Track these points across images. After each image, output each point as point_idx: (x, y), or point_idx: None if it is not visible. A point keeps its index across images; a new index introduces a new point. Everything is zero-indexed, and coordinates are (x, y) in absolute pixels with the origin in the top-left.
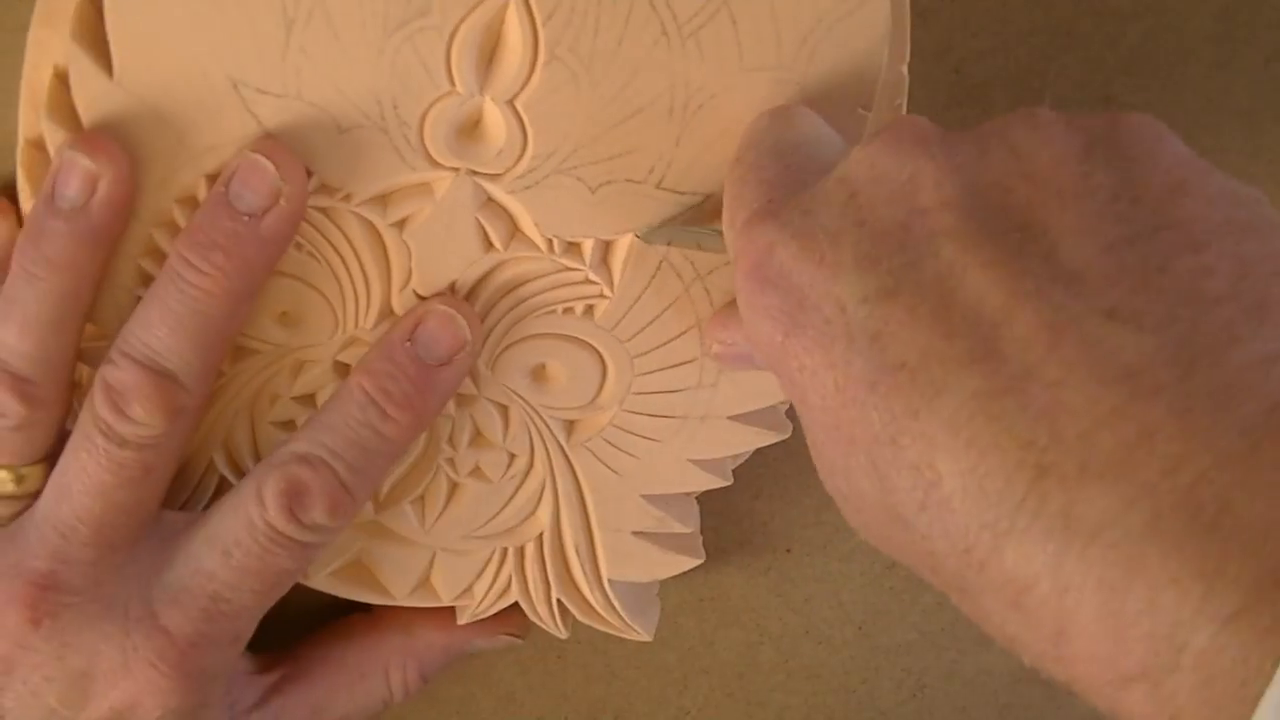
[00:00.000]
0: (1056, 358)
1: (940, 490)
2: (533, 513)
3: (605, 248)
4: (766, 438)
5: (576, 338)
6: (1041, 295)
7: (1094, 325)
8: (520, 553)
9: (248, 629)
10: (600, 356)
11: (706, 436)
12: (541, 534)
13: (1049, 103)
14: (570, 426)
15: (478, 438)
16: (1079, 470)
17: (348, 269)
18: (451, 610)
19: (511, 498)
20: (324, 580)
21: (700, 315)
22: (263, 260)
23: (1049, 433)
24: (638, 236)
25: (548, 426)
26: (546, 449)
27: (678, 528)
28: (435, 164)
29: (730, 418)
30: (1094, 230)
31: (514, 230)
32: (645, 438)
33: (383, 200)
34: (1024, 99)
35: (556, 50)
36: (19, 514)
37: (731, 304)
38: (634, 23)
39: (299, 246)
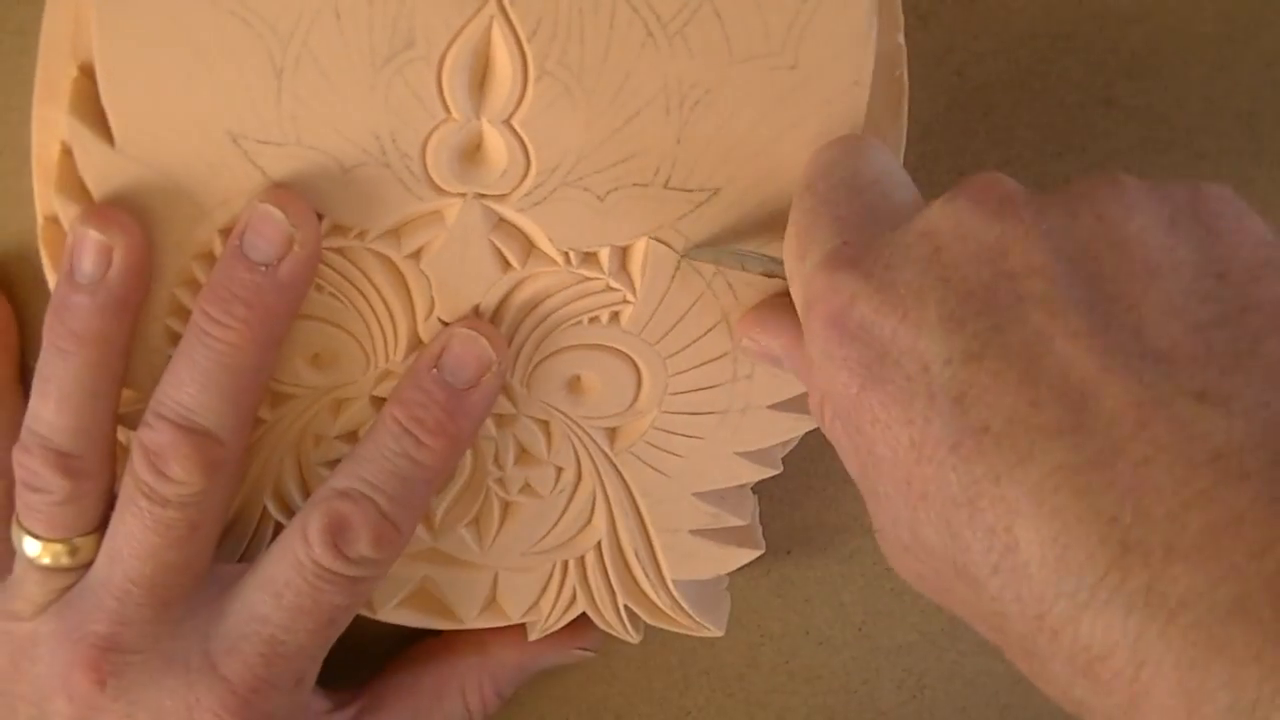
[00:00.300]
0: (1146, 436)
1: (1017, 555)
2: (588, 523)
3: (623, 254)
4: (807, 423)
5: (606, 346)
6: (1131, 371)
7: (1183, 406)
8: (581, 564)
9: (310, 669)
10: (632, 361)
11: (750, 428)
12: (599, 543)
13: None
14: (612, 434)
15: (523, 455)
16: (1165, 549)
17: (371, 306)
18: (523, 627)
19: (565, 510)
20: (392, 612)
21: (725, 309)
22: (284, 307)
23: (1135, 510)
24: (682, 257)
25: (590, 437)
26: (592, 459)
27: (734, 521)
28: (442, 191)
29: (770, 407)
30: (1181, 308)
31: (529, 247)
32: (688, 436)
33: (396, 234)
34: (1025, 101)
35: (546, 65)
36: (76, 583)
37: (765, 304)
38: (618, 28)
39: (320, 289)
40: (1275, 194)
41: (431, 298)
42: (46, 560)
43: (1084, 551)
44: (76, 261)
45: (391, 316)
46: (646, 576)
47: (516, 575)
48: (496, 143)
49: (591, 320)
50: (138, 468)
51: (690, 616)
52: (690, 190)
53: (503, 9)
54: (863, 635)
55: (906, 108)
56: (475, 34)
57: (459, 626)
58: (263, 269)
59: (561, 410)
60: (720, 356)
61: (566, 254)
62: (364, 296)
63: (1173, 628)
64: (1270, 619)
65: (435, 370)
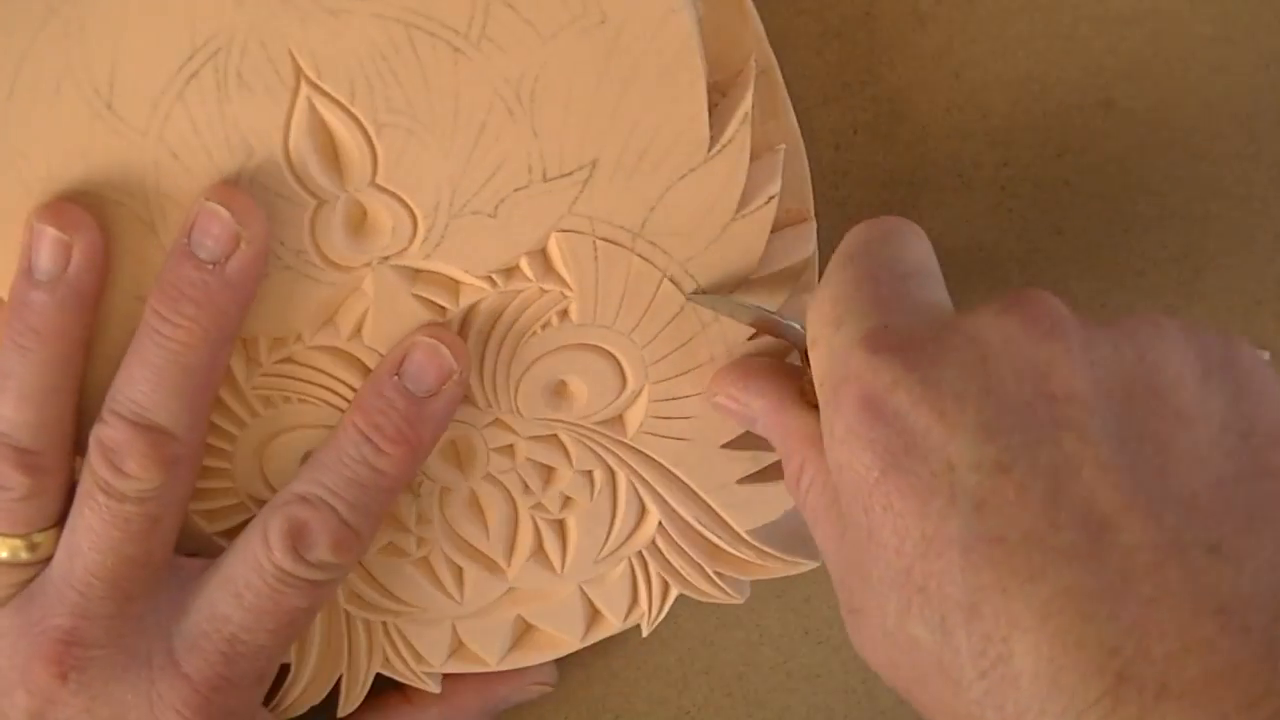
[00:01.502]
0: (1157, 577)
1: (1010, 666)
2: (642, 510)
3: (542, 256)
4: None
5: (570, 345)
6: (1153, 512)
7: (1197, 555)
8: (656, 550)
9: (269, 669)
10: (601, 349)
11: None
12: (660, 524)
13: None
14: (620, 423)
15: (549, 474)
16: (1159, 688)
17: (340, 395)
18: (483, 674)
19: (614, 508)
20: (507, 660)
21: (658, 264)
22: (234, 304)
23: (1137, 645)
24: (688, 298)
25: (600, 433)
26: (613, 452)
27: (772, 456)
28: (349, 269)
29: (748, 340)
30: (1205, 459)
31: (454, 284)
32: (687, 395)
33: (330, 323)
34: (1024, 103)
35: (379, 118)
36: (35, 577)
37: (741, 360)
38: (425, 56)
39: (289, 400)
40: (1274, 195)
41: None
42: (4, 555)
43: (1079, 675)
44: (34, 258)
45: None
46: (720, 538)
47: (601, 585)
48: (374, 206)
49: (544, 327)
50: (95, 464)
51: (780, 558)
52: (570, 173)
53: (314, 86)
54: None
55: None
56: (303, 119)
57: (572, 649)
58: (210, 267)
59: (561, 420)
60: (678, 314)
61: (489, 278)
62: (330, 390)
63: None
64: None
65: (396, 378)
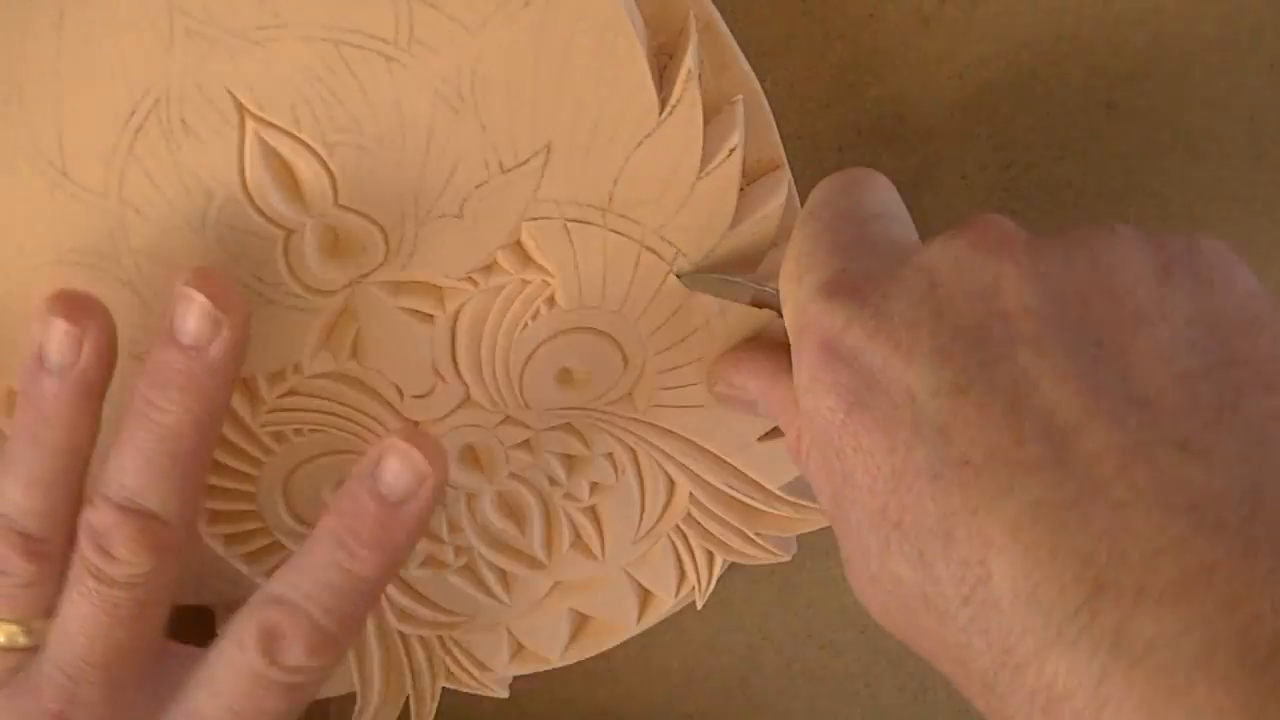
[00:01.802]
0: (1125, 480)
1: (989, 589)
2: (670, 485)
3: (517, 248)
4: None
5: (563, 331)
6: (1115, 416)
7: (1165, 454)
8: (694, 522)
9: None
10: (595, 330)
11: (734, 323)
12: (691, 494)
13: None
14: (630, 401)
15: (570, 462)
16: (1136, 592)
17: (351, 420)
18: None
19: (642, 486)
20: (566, 655)
21: (633, 236)
22: (218, 388)
23: (1110, 551)
24: (678, 278)
25: (612, 414)
26: (630, 431)
27: None
28: (330, 293)
29: None
30: (1169, 356)
31: (436, 290)
32: (693, 361)
33: (325, 349)
34: (1027, 105)
35: (327, 139)
36: (25, 664)
37: (740, 346)
38: (358, 69)
39: (300, 433)
40: (1277, 196)
41: (391, 384)
42: (1, 640)
43: (1056, 588)
44: (46, 349)
45: (372, 417)
46: (753, 499)
47: (647, 565)
48: (343, 227)
49: (534, 317)
50: (84, 549)
51: (818, 509)
52: (526, 161)
53: (258, 118)
54: (864, 638)
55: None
56: (254, 153)
57: (631, 633)
58: (193, 352)
59: (571, 407)
60: (663, 282)
61: (470, 278)
62: (339, 416)
63: (1137, 671)
64: (1234, 672)
65: (370, 480)
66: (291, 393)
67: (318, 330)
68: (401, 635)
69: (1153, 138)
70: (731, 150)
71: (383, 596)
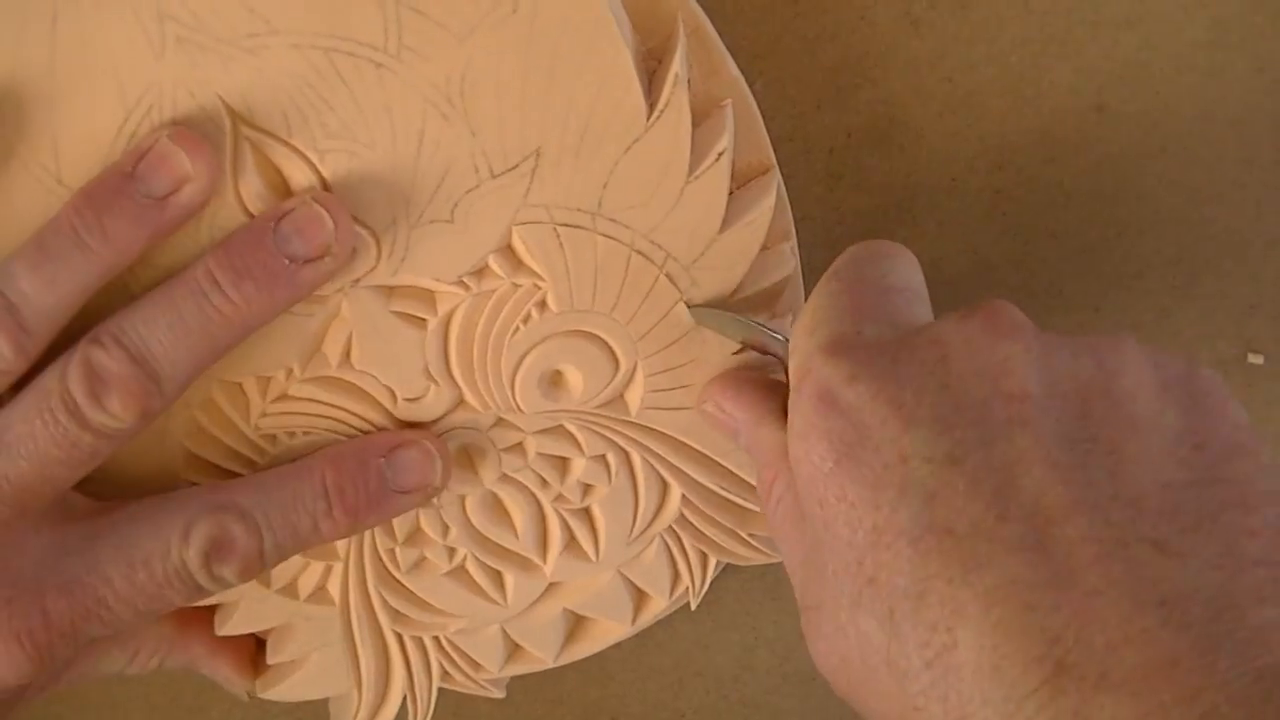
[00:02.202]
0: (1100, 570)
1: (954, 656)
2: (663, 486)
3: (509, 252)
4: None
5: (554, 334)
6: (1098, 509)
7: (1142, 551)
8: (687, 523)
9: (111, 643)
10: (586, 333)
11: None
12: (683, 497)
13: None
14: (621, 403)
15: (564, 465)
16: (1098, 677)
17: (345, 423)
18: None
19: (635, 488)
20: (564, 655)
21: (622, 240)
22: (288, 302)
23: (1078, 635)
24: (690, 309)
25: (604, 415)
26: (622, 433)
27: None
28: (324, 299)
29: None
30: (1157, 465)
31: (429, 294)
32: (685, 364)
33: (319, 354)
34: (1017, 107)
35: (319, 146)
36: None
37: (731, 372)
38: (349, 77)
39: (293, 435)
40: (1268, 199)
41: (385, 387)
42: None
43: (1020, 664)
44: (148, 171)
45: (366, 420)
46: (745, 500)
47: (641, 566)
48: None
49: (526, 321)
50: (72, 381)
51: None
52: (516, 165)
53: (249, 125)
54: None
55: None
56: (246, 160)
57: (626, 634)
58: (287, 261)
59: (563, 409)
60: (654, 285)
61: (461, 282)
62: (333, 419)
63: None
64: None
65: (382, 460)
66: (285, 396)
67: (311, 335)
68: (397, 636)
69: (1144, 140)
70: (720, 154)
71: (376, 598)
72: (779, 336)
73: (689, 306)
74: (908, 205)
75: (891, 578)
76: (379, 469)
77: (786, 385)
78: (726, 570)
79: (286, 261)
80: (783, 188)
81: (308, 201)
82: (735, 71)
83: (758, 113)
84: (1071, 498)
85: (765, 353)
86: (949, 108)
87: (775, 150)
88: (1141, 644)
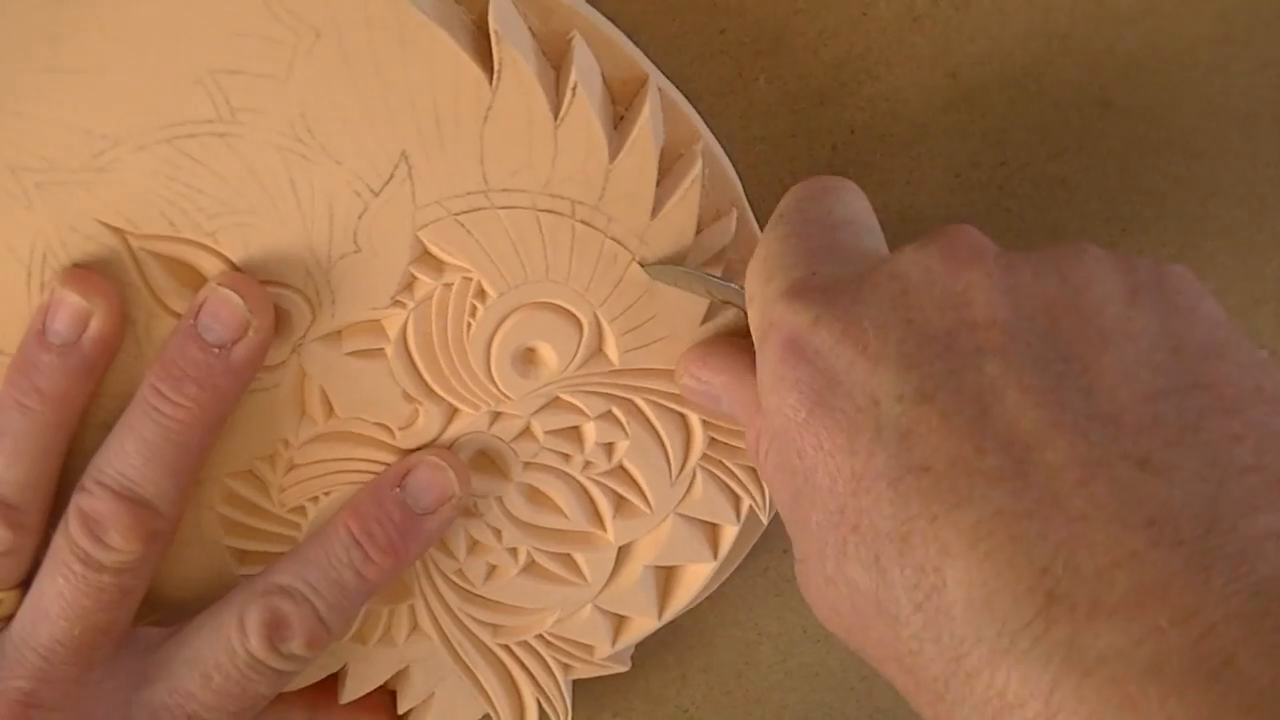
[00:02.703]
0: (1085, 493)
1: (943, 596)
2: (681, 420)
3: (427, 257)
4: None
5: (505, 316)
6: (1078, 430)
7: (1125, 470)
8: (718, 446)
9: None
10: (535, 304)
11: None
12: (703, 421)
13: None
14: (603, 356)
15: (577, 434)
16: (1091, 604)
17: (357, 472)
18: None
19: (655, 431)
20: (671, 607)
21: (522, 205)
22: (235, 390)
23: (1066, 563)
24: (644, 268)
25: (592, 375)
26: (616, 384)
27: None
28: (281, 364)
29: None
30: (1133, 376)
31: (374, 324)
32: (640, 297)
33: (305, 417)
34: (1021, 103)
35: (206, 229)
36: None
37: (711, 341)
38: (201, 155)
39: (315, 500)
40: (1272, 194)
41: (376, 424)
42: None
43: (1010, 598)
44: (51, 322)
45: (375, 461)
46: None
47: (696, 501)
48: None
49: (473, 314)
50: (74, 533)
51: None
52: (391, 176)
53: (138, 235)
54: None
55: None
56: (154, 269)
57: (716, 566)
58: (216, 351)
59: (549, 382)
60: (573, 236)
61: (397, 302)
62: (349, 471)
63: (1089, 683)
64: (1186, 682)
65: (397, 490)
66: (294, 466)
67: (287, 402)
68: (504, 648)
69: (1147, 136)
70: (574, 88)
71: (466, 619)
72: (734, 286)
73: (643, 265)
74: (911, 201)
75: (874, 522)
76: (398, 500)
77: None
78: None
79: (216, 350)
80: (717, 147)
81: (214, 288)
82: (571, 2)
83: (615, 34)
84: (1048, 421)
85: (730, 303)
86: (952, 104)
87: (779, 146)
88: (1132, 567)
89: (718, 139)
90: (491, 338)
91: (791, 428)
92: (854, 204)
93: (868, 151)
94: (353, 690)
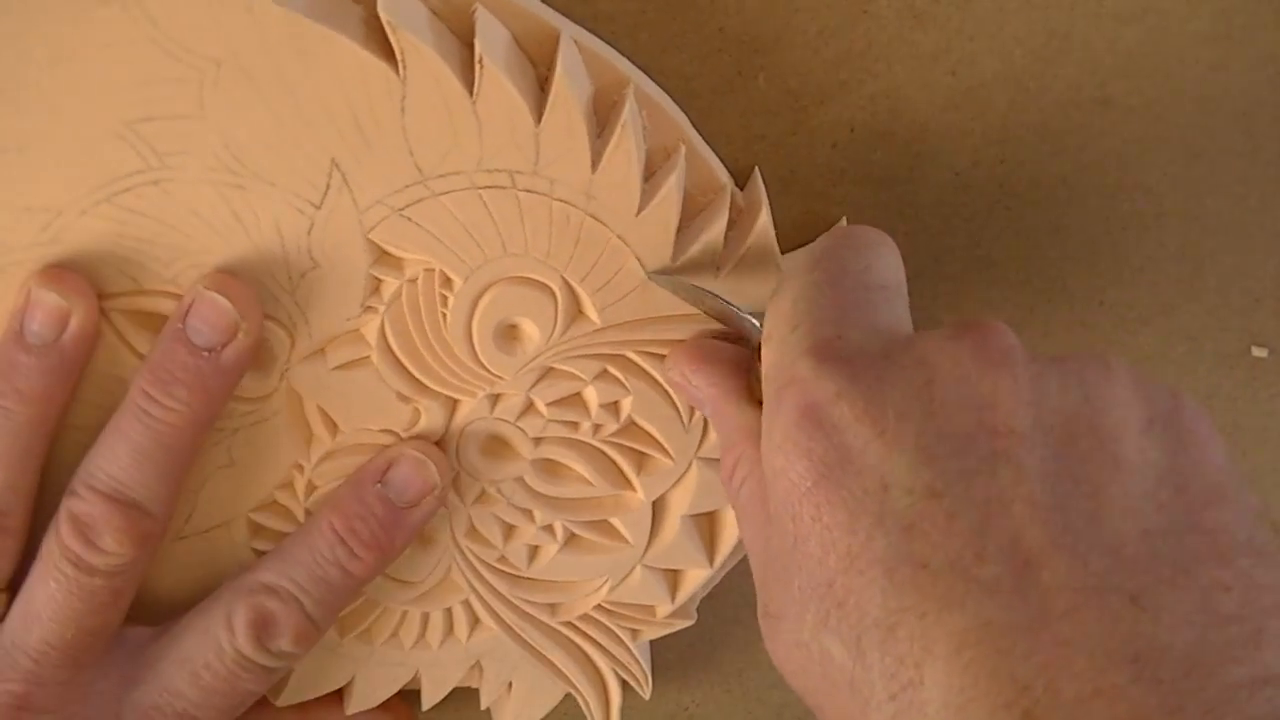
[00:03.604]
0: (1076, 619)
1: (919, 693)
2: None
3: (385, 258)
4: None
5: (477, 299)
6: (1077, 555)
7: (1118, 602)
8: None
9: None
10: (503, 280)
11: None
12: None
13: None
14: (584, 319)
15: (579, 399)
16: None
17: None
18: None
19: (654, 381)
20: (720, 554)
21: (459, 187)
22: (224, 391)
23: (1048, 686)
24: (649, 277)
25: (577, 339)
26: (602, 342)
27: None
28: (272, 392)
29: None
30: (1136, 509)
31: (353, 334)
32: (601, 253)
33: (314, 439)
34: (1021, 101)
35: (166, 277)
36: None
37: (699, 342)
38: (143, 208)
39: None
40: (1272, 193)
41: (381, 430)
42: None
43: (987, 709)
44: (28, 322)
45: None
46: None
47: (713, 441)
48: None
49: (443, 304)
50: (65, 536)
51: None
52: (327, 186)
53: (104, 296)
54: None
55: None
56: (128, 328)
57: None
58: (205, 354)
59: (538, 354)
60: (520, 207)
61: (368, 308)
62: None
63: None
64: None
65: (379, 485)
66: (313, 489)
67: (290, 428)
68: (568, 625)
69: (1148, 134)
70: (480, 60)
71: (522, 604)
72: (747, 316)
73: (650, 274)
74: (911, 199)
75: (862, 604)
76: (379, 495)
77: (749, 358)
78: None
79: (206, 353)
80: (653, 88)
81: (200, 291)
82: None
83: (537, 8)
84: (1051, 540)
85: (728, 325)
86: (952, 102)
87: (779, 145)
88: (1111, 699)
89: (717, 137)
90: (469, 323)
91: (794, 492)
92: (891, 266)
93: (867, 150)
94: (430, 696)
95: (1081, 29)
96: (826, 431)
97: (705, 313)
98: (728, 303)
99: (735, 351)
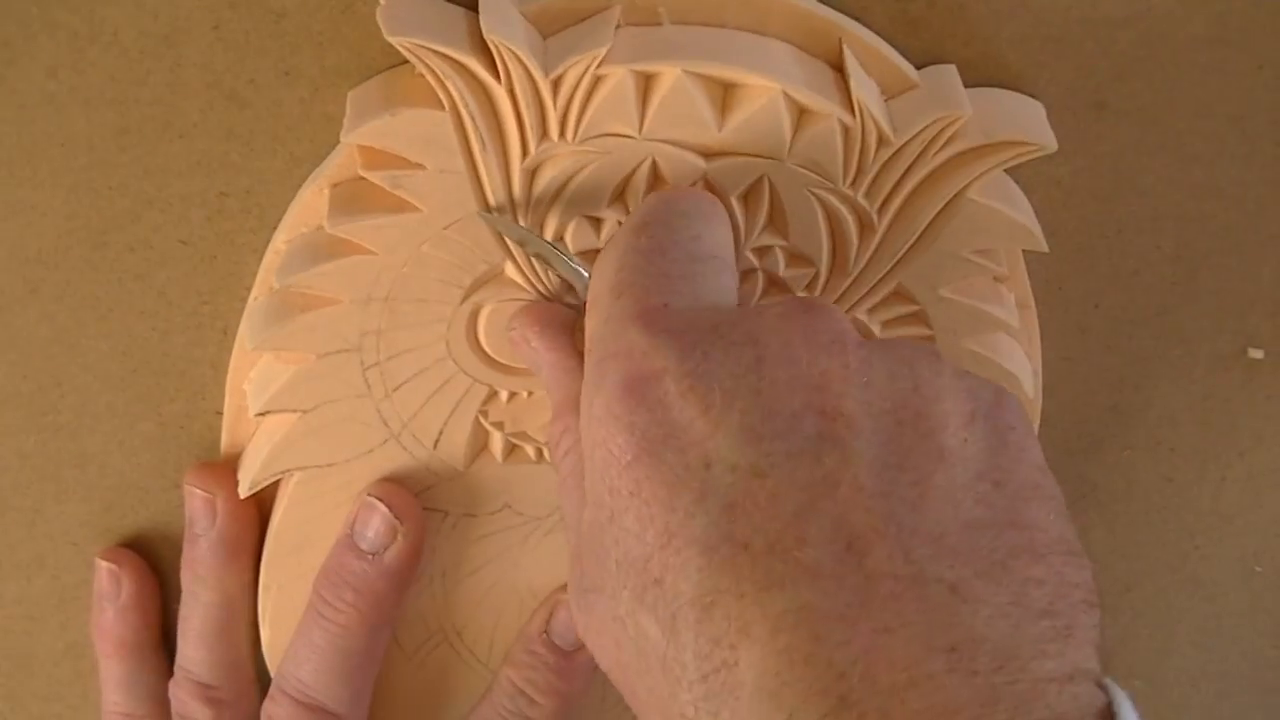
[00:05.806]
0: (895, 608)
1: (733, 674)
2: None
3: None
4: None
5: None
6: (900, 542)
7: (938, 592)
8: None
9: None
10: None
11: None
12: None
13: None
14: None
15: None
16: (880, 717)
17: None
18: None
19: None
20: None
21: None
22: (391, 592)
23: (864, 674)
24: (483, 216)
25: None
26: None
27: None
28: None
29: None
30: (959, 500)
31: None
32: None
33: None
34: None
35: None
36: None
37: (542, 305)
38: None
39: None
40: (1268, 196)
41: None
42: None
43: (801, 694)
44: (191, 517)
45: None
46: None
47: None
48: None
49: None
50: None
51: None
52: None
53: None
54: None
55: None
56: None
57: None
58: (370, 557)
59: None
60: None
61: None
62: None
63: None
64: None
65: (545, 634)
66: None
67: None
68: None
69: (1142, 138)
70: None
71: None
72: (577, 266)
73: (482, 214)
74: None
75: (678, 583)
76: (546, 643)
77: (574, 317)
78: None
79: (370, 557)
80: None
81: (363, 498)
82: None
83: None
84: (874, 526)
85: (557, 271)
86: None
87: None
88: (927, 689)
89: None
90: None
91: (612, 466)
92: (721, 236)
93: None
94: None
95: (1076, 33)
96: (650, 405)
97: (533, 257)
98: (573, 263)
99: (573, 317)
